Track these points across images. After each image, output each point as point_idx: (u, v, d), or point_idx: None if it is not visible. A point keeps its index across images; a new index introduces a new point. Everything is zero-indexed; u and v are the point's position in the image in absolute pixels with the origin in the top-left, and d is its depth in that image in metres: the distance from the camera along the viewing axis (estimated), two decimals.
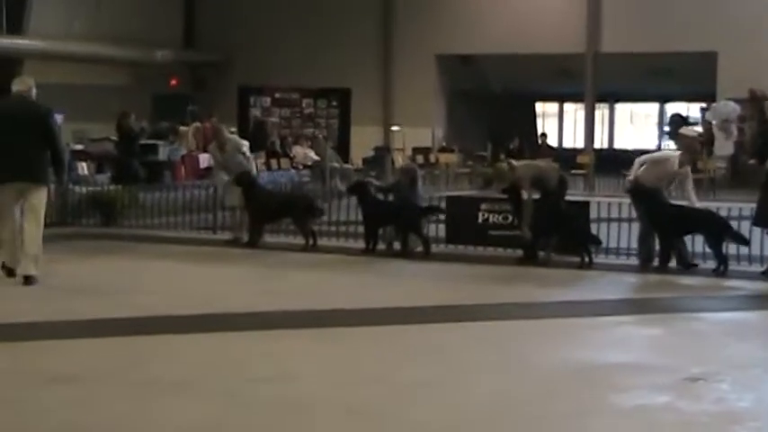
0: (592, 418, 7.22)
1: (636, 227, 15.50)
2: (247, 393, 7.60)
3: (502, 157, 32.34)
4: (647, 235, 14.60)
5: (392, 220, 15.95)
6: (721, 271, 13.84)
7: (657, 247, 14.54)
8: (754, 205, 14.72)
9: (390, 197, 16.59)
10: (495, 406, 7.48)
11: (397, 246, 15.96)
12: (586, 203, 16.17)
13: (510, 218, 15.82)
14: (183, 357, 8.80)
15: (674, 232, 14.38)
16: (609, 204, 16.29)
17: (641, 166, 14.79)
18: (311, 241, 16.24)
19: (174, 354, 8.95)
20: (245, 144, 17.69)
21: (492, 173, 16.80)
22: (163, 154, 25.29)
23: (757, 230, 14.40)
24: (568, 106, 47.89)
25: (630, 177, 14.94)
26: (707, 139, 28.64)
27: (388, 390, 7.81)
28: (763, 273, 13.95)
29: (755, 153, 15.15)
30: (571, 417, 7.21)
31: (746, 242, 14.18)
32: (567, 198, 15.83)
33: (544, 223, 14.94)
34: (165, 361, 8.65)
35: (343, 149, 31.23)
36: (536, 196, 15.21)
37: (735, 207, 15.35)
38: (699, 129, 30.34)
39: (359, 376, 8.22)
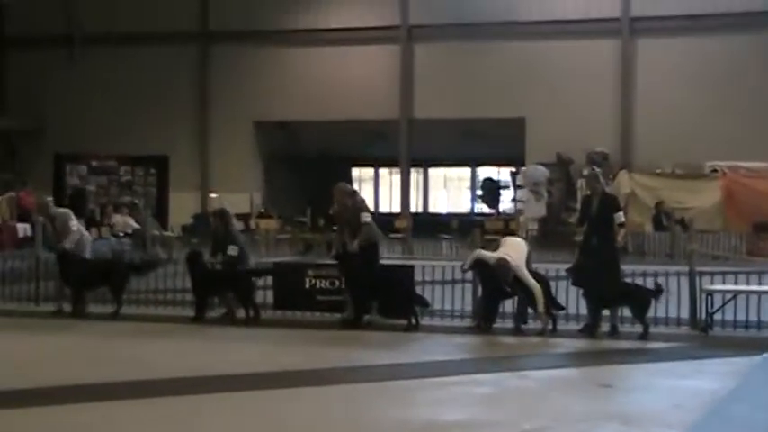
0: None
1: (457, 289, 16.08)
2: None
3: (321, 222, 32.81)
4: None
5: (224, 289, 16.04)
6: (549, 330, 14.44)
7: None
8: (567, 265, 15.44)
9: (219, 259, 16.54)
10: None
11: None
12: (411, 267, 16.57)
13: (337, 283, 16.09)
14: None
15: (502, 295, 14.94)
16: (433, 268, 16.71)
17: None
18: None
19: (5, 429, 8.81)
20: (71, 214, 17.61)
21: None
22: None
23: (573, 289, 15.05)
24: (383, 171, 48.75)
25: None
26: None
27: None
28: (581, 330, 14.59)
29: (578, 219, 15.87)
30: None
31: (561, 307, 14.87)
32: (392, 262, 16.24)
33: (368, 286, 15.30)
34: None
35: (161, 217, 31.07)
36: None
37: (551, 268, 16.00)
38: None
39: None
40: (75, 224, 17.13)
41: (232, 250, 16.09)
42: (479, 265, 14.96)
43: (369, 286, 15.31)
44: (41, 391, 10.33)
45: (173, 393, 10.24)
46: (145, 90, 39.34)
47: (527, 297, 14.66)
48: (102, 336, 14.43)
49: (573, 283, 14.92)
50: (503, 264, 14.62)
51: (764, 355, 12.76)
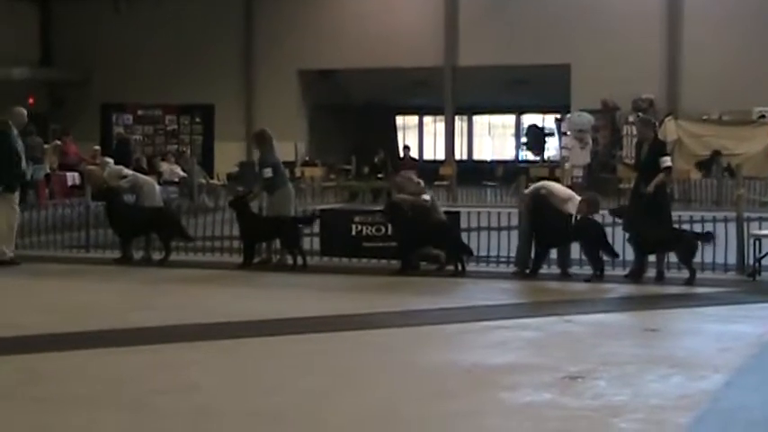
0: (485, 415, 7.60)
1: (503, 235, 16.15)
2: (153, 404, 7.77)
3: (366, 170, 32.93)
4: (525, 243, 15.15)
5: (270, 236, 16.16)
6: (597, 276, 14.45)
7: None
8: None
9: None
10: (391, 407, 7.79)
11: (273, 259, 16.23)
12: (456, 213, 16.63)
13: (383, 229, 16.18)
14: (80, 373, 8.86)
15: (554, 241, 14.93)
16: (478, 214, 16.77)
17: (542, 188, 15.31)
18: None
19: (70, 370, 9.01)
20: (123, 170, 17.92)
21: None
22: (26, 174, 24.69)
23: (620, 235, 15.05)
24: (427, 119, 48.71)
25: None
26: None
27: (288, 396, 8.07)
28: (626, 276, 14.60)
29: (633, 164, 15.84)
30: (466, 415, 7.58)
31: (616, 255, 14.82)
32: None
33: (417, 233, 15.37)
34: (63, 377, 8.71)
35: (207, 165, 31.28)
36: None
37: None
38: None
39: (257, 385, 8.44)
40: (125, 174, 17.43)
41: (267, 173, 16.18)
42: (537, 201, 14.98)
43: (418, 239, 15.36)
44: (95, 335, 10.54)
45: (226, 337, 10.42)
46: (190, 40, 39.41)
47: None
48: (152, 282, 14.63)
49: (623, 228, 14.90)
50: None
51: None
